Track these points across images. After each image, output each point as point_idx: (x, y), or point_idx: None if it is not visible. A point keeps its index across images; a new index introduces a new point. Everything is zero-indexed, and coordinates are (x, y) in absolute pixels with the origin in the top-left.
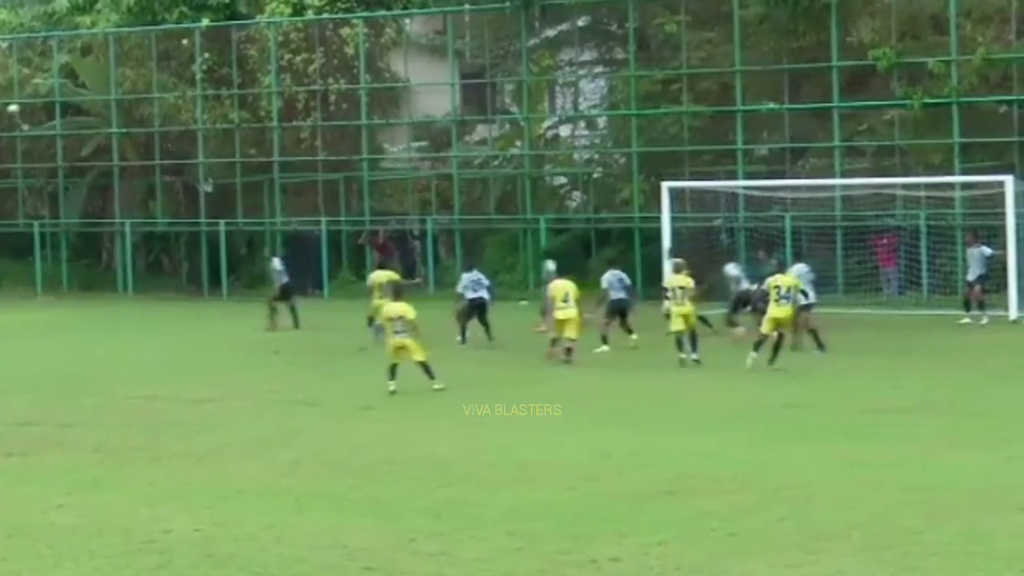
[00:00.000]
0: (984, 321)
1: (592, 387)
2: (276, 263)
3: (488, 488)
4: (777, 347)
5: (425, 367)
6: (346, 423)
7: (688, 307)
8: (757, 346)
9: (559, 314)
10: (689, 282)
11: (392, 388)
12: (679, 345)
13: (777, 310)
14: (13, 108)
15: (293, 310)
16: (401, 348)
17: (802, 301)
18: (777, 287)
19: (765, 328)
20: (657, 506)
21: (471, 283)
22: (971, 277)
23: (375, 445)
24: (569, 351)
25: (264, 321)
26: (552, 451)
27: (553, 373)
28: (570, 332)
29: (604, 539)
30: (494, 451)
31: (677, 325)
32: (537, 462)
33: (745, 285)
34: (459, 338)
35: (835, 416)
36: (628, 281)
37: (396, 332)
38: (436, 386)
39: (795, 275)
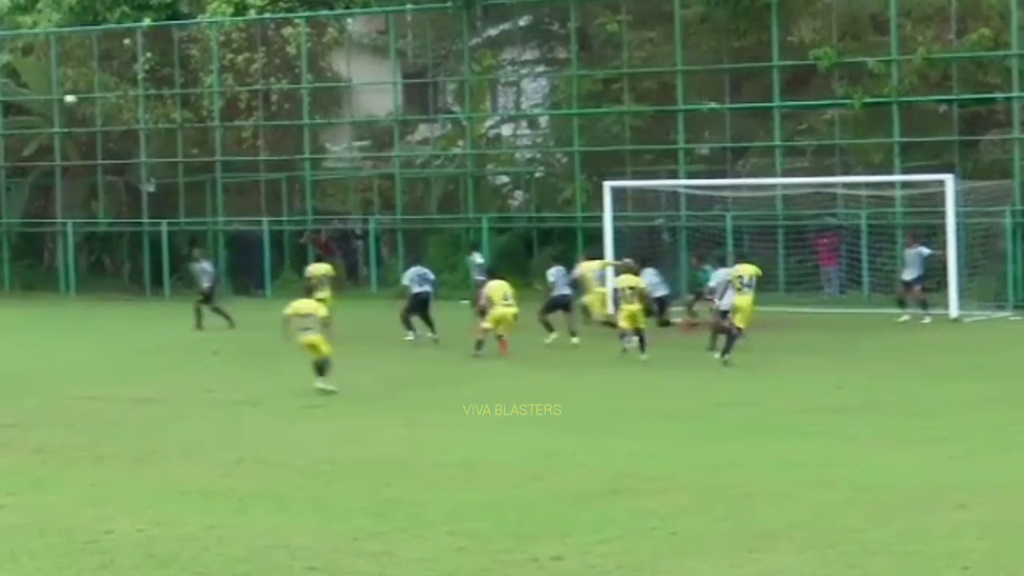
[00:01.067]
0: (927, 320)
1: (535, 386)
2: (206, 265)
3: (431, 488)
4: (731, 341)
5: (323, 365)
6: (288, 423)
7: (636, 306)
8: (730, 341)
9: (499, 311)
10: (639, 282)
11: (320, 387)
12: (622, 337)
13: (740, 299)
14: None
15: (219, 311)
16: (310, 346)
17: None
18: (740, 276)
19: (736, 319)
20: (599, 505)
21: (417, 277)
22: (908, 277)
23: (317, 445)
24: (500, 338)
25: (192, 319)
26: (495, 451)
27: (495, 371)
28: (505, 327)
29: (546, 538)
30: (437, 451)
31: (623, 323)
32: (480, 462)
33: (661, 292)
34: (409, 336)
35: (777, 415)
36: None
37: (305, 329)
38: (321, 384)
39: (716, 280)
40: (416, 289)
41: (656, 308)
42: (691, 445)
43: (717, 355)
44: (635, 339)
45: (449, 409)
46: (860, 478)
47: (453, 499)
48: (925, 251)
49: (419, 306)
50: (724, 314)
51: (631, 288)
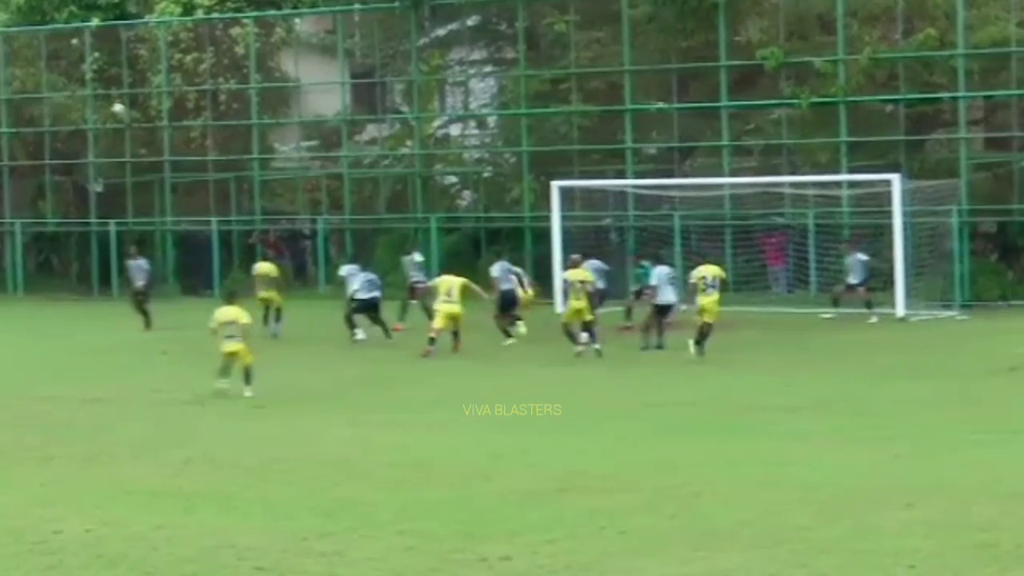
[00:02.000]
0: (873, 320)
1: (482, 385)
2: (142, 262)
3: (380, 487)
4: (704, 335)
5: (247, 373)
6: (236, 423)
7: (583, 302)
8: (702, 335)
9: (443, 308)
10: (589, 276)
11: (221, 386)
12: (571, 337)
13: (705, 299)
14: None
15: (144, 313)
16: (232, 353)
17: (671, 299)
18: (703, 277)
19: (703, 318)
20: (548, 505)
21: (366, 283)
22: (853, 281)
23: (266, 445)
24: (453, 338)
25: (141, 319)
26: (444, 451)
27: (443, 370)
28: (453, 325)
29: (495, 538)
30: (386, 451)
31: (567, 319)
32: (429, 462)
33: (600, 284)
34: (356, 337)
35: (725, 414)
36: (517, 271)
37: (228, 336)
38: (247, 393)
39: (656, 279)
40: (364, 295)
41: (597, 301)
42: (640, 444)
43: (692, 349)
44: (585, 336)
45: (398, 409)
46: (808, 477)
47: (402, 499)
48: (863, 257)
49: (368, 309)
50: (662, 310)
51: (581, 282)
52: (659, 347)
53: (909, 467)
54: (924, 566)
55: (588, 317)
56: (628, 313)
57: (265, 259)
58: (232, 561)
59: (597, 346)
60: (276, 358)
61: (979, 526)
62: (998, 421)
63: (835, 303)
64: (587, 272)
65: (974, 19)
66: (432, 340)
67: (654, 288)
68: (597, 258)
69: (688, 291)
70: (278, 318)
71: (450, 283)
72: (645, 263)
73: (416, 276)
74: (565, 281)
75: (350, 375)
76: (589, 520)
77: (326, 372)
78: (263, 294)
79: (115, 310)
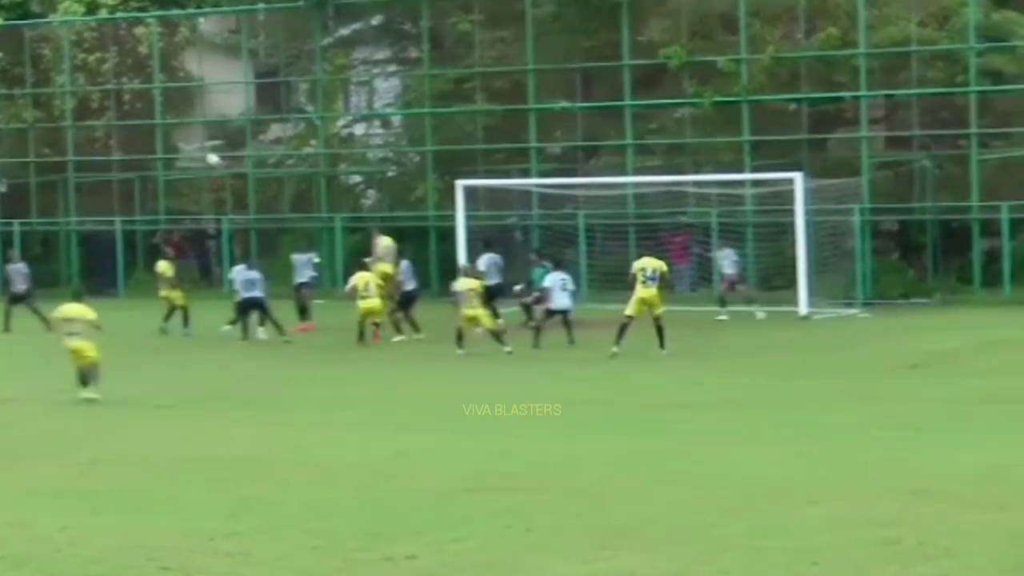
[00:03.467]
0: (760, 316)
1: (391, 385)
2: (21, 266)
3: (286, 487)
4: (660, 331)
5: (91, 371)
6: (143, 422)
7: (477, 309)
8: (621, 331)
9: (361, 304)
10: (477, 285)
11: (84, 396)
12: (458, 339)
13: (643, 291)
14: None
15: (37, 312)
16: (74, 351)
17: (565, 305)
18: (643, 269)
19: (630, 310)
20: (454, 503)
21: (245, 283)
22: (730, 270)
23: (172, 444)
24: (376, 327)
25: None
26: (350, 450)
27: (351, 368)
28: (375, 318)
29: (401, 536)
30: (291, 450)
31: (462, 323)
32: (335, 461)
33: (494, 279)
34: (247, 337)
35: (630, 412)
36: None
37: (70, 334)
38: (87, 395)
39: (549, 283)
40: (245, 295)
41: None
42: (545, 442)
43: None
44: (464, 351)
45: (304, 408)
46: (712, 474)
47: (308, 498)
48: (734, 256)
49: (250, 308)
50: (552, 314)
51: (472, 290)
52: (570, 342)
53: (812, 464)
54: (827, 563)
55: (487, 324)
56: (528, 311)
57: (165, 258)
58: (139, 562)
59: (508, 349)
60: (182, 358)
61: (882, 523)
62: (900, 418)
63: (722, 303)
64: (475, 281)
65: (875, 19)
66: (361, 334)
67: (546, 291)
68: (500, 255)
69: (628, 282)
70: (186, 320)
71: (366, 279)
72: (547, 264)
73: (305, 275)
74: (458, 292)
75: (255, 374)
76: (495, 519)
77: (231, 371)
78: (162, 293)
79: (17, 310)
